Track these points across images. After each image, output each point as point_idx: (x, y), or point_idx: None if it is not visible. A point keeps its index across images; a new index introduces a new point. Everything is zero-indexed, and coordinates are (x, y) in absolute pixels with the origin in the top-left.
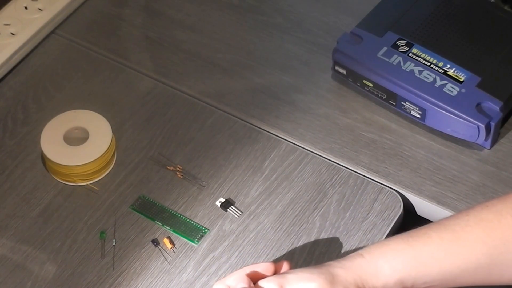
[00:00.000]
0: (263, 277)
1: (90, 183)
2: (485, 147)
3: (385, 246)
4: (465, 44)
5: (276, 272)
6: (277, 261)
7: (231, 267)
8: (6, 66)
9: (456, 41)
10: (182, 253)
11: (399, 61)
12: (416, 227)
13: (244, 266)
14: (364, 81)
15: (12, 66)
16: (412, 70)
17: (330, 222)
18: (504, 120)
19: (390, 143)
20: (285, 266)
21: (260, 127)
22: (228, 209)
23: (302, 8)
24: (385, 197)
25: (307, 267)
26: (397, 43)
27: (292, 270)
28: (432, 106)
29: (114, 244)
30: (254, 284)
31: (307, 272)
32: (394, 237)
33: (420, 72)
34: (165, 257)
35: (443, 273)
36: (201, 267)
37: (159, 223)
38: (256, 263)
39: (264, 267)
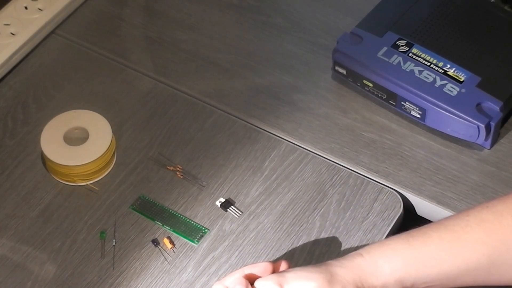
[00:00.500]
0: (262, 272)
1: (90, 183)
2: (485, 147)
3: (385, 246)
4: (465, 44)
5: (274, 272)
6: (276, 261)
7: (231, 267)
8: (6, 66)
9: (456, 41)
10: (182, 253)
11: (399, 61)
12: (416, 227)
13: (243, 266)
14: (364, 81)
15: (12, 66)
16: (412, 70)
17: (330, 222)
18: (504, 120)
19: (390, 143)
20: (283, 265)
21: (260, 127)
22: (228, 209)
23: (302, 8)
24: (385, 197)
25: (306, 266)
26: (397, 43)
27: (291, 269)
28: (432, 106)
29: (114, 244)
30: (253, 283)
31: (306, 271)
32: (394, 236)
33: (420, 72)
34: (165, 257)
35: (443, 273)
36: (201, 267)
37: (159, 223)
38: (254, 263)
39: (262, 267)
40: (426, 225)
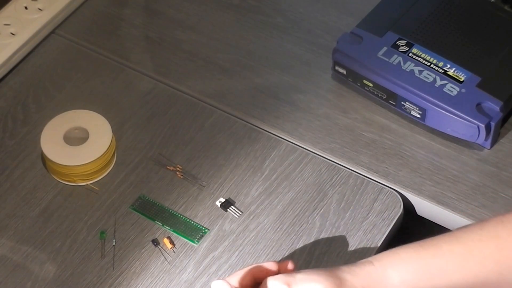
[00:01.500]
0: (268, 272)
1: (90, 183)
2: (485, 147)
3: (395, 255)
4: (465, 44)
5: (280, 272)
6: (282, 261)
7: (231, 267)
8: (6, 66)
9: (456, 41)
10: (182, 253)
11: (399, 61)
12: (416, 227)
13: (245, 266)
14: (364, 81)
15: (12, 66)
16: (412, 70)
17: (330, 222)
18: (504, 120)
19: (390, 143)
20: (290, 265)
21: (260, 127)
22: (228, 209)
23: (302, 8)
24: (385, 197)
25: (316, 269)
26: (397, 43)
27: (301, 271)
28: (432, 106)
29: (114, 244)
30: (262, 281)
31: (315, 273)
32: (405, 246)
33: (420, 72)
34: (165, 257)
35: (452, 286)
36: (201, 267)
37: (159, 223)
38: (261, 262)
39: (269, 267)
40: (439, 236)
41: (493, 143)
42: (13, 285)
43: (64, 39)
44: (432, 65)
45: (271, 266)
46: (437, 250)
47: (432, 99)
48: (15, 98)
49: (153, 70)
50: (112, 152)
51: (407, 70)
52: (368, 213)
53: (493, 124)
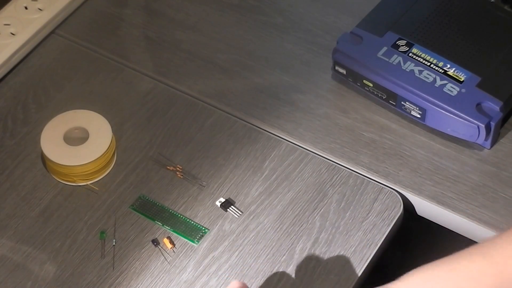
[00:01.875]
0: None
1: (90, 183)
2: (485, 147)
3: (425, 284)
4: (465, 44)
5: None
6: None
7: (231, 267)
8: (6, 66)
9: (456, 41)
10: (182, 253)
11: (399, 61)
12: (416, 227)
13: (245, 266)
14: (364, 81)
15: (12, 66)
16: (412, 70)
17: (330, 222)
18: (504, 120)
19: (390, 143)
20: None
21: (260, 127)
22: (228, 209)
23: (302, 8)
24: (385, 197)
25: None
26: (397, 43)
27: None
28: (432, 106)
29: (114, 244)
30: None
31: None
32: (432, 268)
33: (420, 72)
34: (165, 257)
35: None
36: (201, 267)
37: (159, 223)
38: None
39: None
40: (468, 251)
41: (493, 143)
42: (13, 285)
43: (64, 39)
44: (432, 65)
45: None
46: (468, 273)
47: (432, 99)
48: (15, 98)
49: (153, 70)
50: (112, 152)
51: (407, 70)
52: (368, 213)
53: (493, 124)
